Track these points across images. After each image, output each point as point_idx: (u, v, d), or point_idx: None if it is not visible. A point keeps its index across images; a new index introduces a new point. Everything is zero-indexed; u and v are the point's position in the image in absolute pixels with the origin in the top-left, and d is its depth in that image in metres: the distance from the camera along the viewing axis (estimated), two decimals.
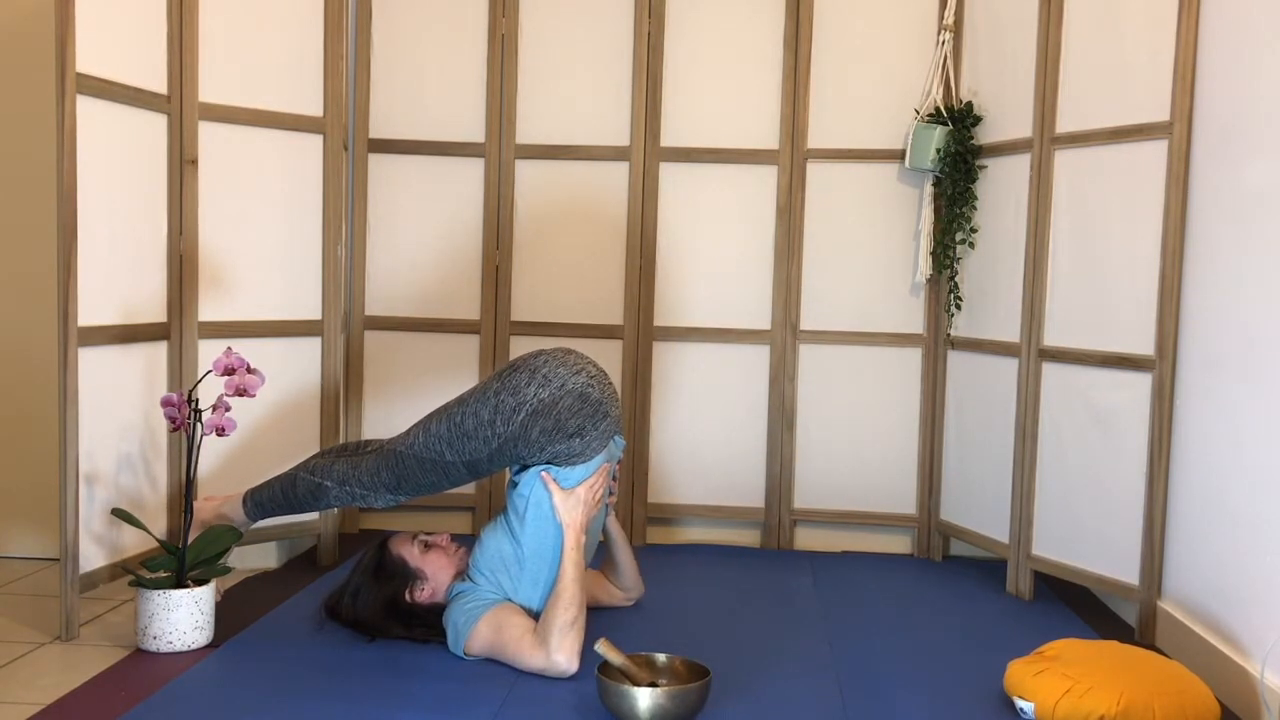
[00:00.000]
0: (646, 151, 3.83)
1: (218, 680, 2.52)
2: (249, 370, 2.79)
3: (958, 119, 3.59)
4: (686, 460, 3.89)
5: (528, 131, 3.87)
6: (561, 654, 2.51)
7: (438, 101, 3.88)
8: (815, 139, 3.79)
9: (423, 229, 3.90)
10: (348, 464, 2.84)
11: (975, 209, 3.58)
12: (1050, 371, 3.25)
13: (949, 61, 3.68)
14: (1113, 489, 3.06)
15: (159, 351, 3.07)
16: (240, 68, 3.22)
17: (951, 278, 3.64)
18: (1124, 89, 3.02)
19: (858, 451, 3.84)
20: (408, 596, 2.74)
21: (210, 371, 2.80)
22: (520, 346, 3.82)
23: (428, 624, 2.73)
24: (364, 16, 3.86)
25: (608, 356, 3.78)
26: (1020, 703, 2.38)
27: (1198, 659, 2.67)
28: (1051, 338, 3.25)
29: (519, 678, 2.54)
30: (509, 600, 2.70)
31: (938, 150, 3.58)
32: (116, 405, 2.90)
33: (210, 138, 3.16)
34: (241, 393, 2.78)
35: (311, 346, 3.44)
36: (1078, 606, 3.27)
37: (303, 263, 3.41)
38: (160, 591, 2.66)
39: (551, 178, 3.87)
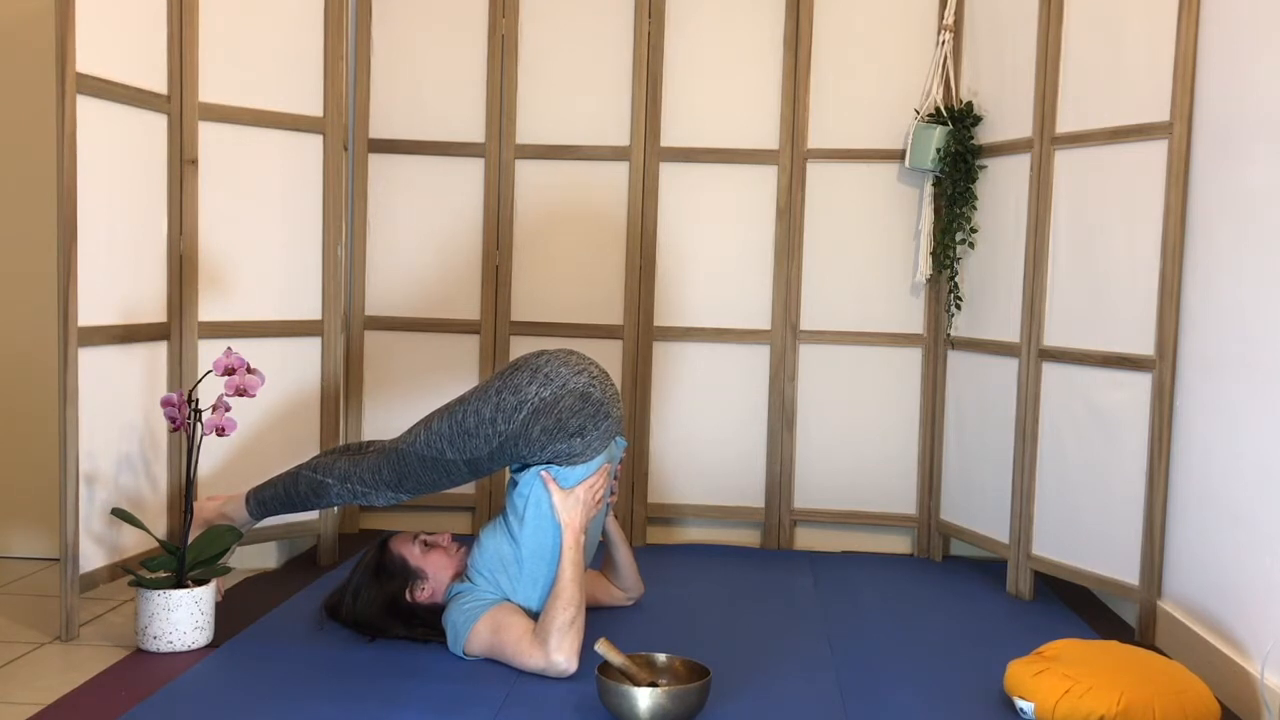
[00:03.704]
0: (646, 151, 3.83)
1: (218, 680, 2.52)
2: (249, 370, 2.79)
3: (958, 119, 3.59)
4: (686, 460, 3.89)
5: (528, 131, 3.87)
6: (561, 654, 2.51)
7: (438, 101, 3.88)
8: (815, 139, 3.79)
9: (423, 229, 3.90)
10: (350, 462, 2.84)
11: (975, 209, 3.58)
12: (1050, 371, 3.25)
13: (949, 61, 3.68)
14: (1113, 489, 3.06)
15: (159, 351, 3.07)
16: (240, 68, 3.22)
17: (951, 278, 3.64)
18: (1124, 89, 3.02)
19: (858, 451, 3.84)
20: (408, 596, 2.74)
21: (210, 371, 2.80)
22: (520, 346, 3.82)
23: (428, 624, 2.73)
24: (364, 16, 3.86)
25: (608, 356, 3.78)
26: (1020, 703, 2.38)
27: (1198, 659, 2.67)
28: (1051, 338, 3.25)
29: (519, 678, 2.54)
30: (508, 600, 2.70)
31: (938, 150, 3.58)
32: (116, 405, 2.90)
33: (210, 138, 3.16)
34: (241, 393, 2.78)
35: (311, 347, 3.44)
36: (1078, 606, 3.27)
37: (303, 263, 3.41)
38: (160, 591, 2.66)
39: (551, 178, 3.87)
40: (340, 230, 3.49)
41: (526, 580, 2.70)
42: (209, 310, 3.19)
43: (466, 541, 2.88)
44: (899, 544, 3.87)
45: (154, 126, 3.03)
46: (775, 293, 3.82)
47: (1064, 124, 3.20)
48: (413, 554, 2.77)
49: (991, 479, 3.48)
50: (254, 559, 3.43)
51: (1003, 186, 3.47)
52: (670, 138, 3.84)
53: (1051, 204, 3.24)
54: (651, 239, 3.84)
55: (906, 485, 3.82)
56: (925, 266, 3.70)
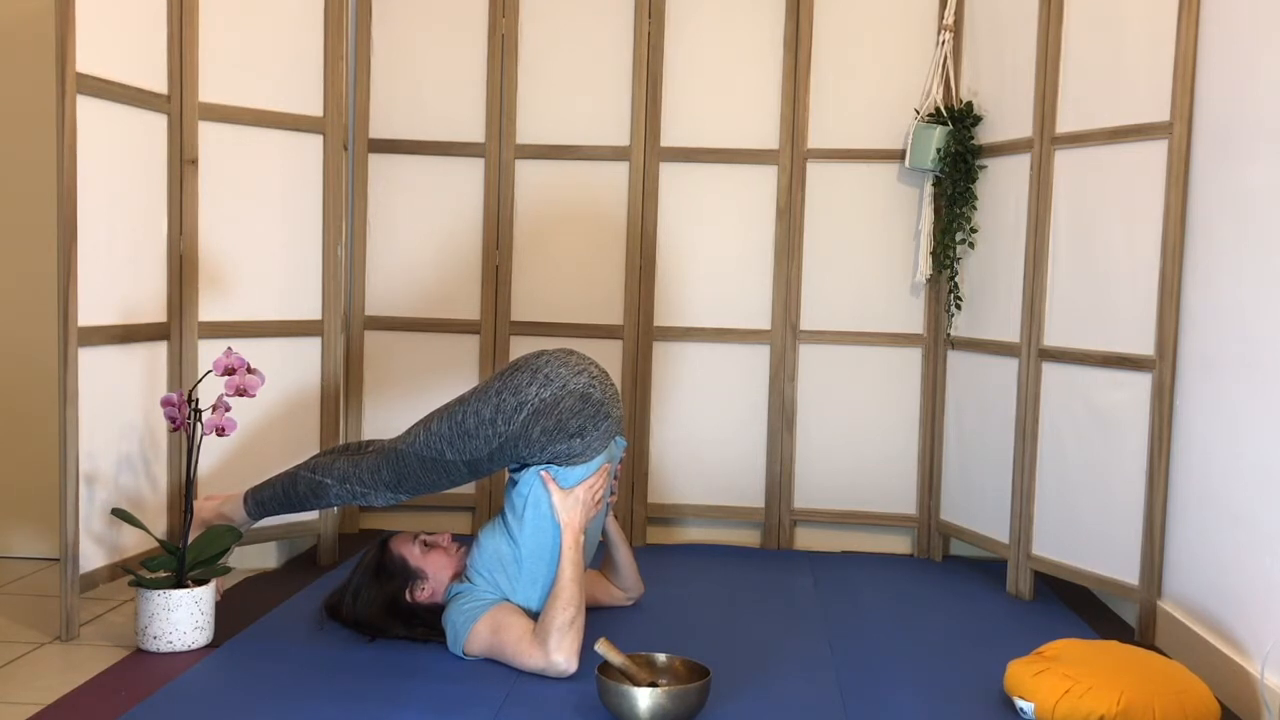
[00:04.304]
0: (646, 151, 3.83)
1: (218, 680, 2.52)
2: (249, 370, 2.79)
3: (958, 119, 3.59)
4: (686, 460, 3.89)
5: (528, 131, 3.87)
6: (560, 654, 2.51)
7: (438, 101, 3.88)
8: (815, 139, 3.79)
9: (423, 229, 3.90)
10: (349, 462, 2.84)
11: (975, 209, 3.58)
12: (1050, 371, 3.25)
13: (949, 61, 3.68)
14: (1113, 489, 3.06)
15: (159, 351, 3.07)
16: (240, 68, 3.22)
17: (951, 278, 3.64)
18: (1124, 89, 3.02)
19: (858, 451, 3.84)
20: (408, 596, 2.74)
21: (210, 371, 2.80)
22: (520, 346, 3.82)
23: (428, 624, 2.73)
24: (364, 16, 3.86)
25: (608, 356, 3.77)
26: (1020, 703, 2.38)
27: (1198, 659, 2.67)
28: (1051, 338, 3.25)
29: (519, 678, 2.54)
30: (507, 600, 2.70)
31: (938, 150, 3.58)
32: (116, 405, 2.90)
33: (210, 138, 3.16)
34: (241, 393, 2.78)
35: (311, 346, 3.44)
36: (1078, 606, 3.27)
37: (303, 263, 3.41)
38: (160, 591, 2.66)
39: (551, 178, 3.87)
40: (340, 230, 3.49)
41: (526, 580, 2.70)
42: (209, 310, 3.19)
43: (466, 541, 2.88)
44: (899, 544, 3.87)
45: (154, 126, 3.03)
46: (775, 293, 3.82)
47: (1064, 124, 3.20)
48: (413, 554, 2.77)
49: (991, 479, 3.48)
50: (254, 559, 3.43)
51: (1003, 186, 3.47)
52: (670, 138, 3.84)
53: (1051, 204, 3.24)
54: (651, 239, 3.84)
55: (906, 485, 3.82)
56: (925, 266, 3.70)
